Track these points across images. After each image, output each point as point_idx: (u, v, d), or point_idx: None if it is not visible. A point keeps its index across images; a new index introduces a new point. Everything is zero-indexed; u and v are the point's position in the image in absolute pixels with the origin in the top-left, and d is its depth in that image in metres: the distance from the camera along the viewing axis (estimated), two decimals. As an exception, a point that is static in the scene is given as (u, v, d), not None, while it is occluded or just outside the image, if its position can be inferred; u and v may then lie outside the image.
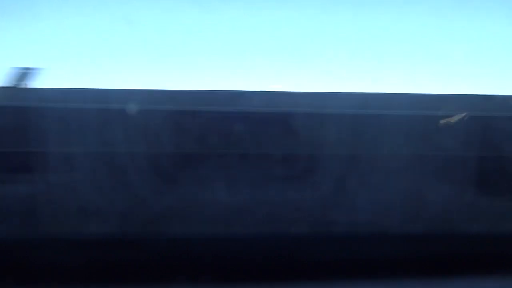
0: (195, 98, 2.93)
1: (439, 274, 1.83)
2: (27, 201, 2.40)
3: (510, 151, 2.80)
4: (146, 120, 2.71)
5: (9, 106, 2.77)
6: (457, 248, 1.95)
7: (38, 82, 2.95)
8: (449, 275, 1.84)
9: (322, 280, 1.79)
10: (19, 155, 2.60)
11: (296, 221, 2.35)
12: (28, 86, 2.95)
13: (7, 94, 2.89)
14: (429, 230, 2.21)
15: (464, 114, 2.82)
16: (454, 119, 2.82)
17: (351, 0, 4.34)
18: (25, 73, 2.99)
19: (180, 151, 2.76)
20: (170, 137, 2.72)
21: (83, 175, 2.55)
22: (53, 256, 1.78)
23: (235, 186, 2.62)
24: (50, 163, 2.53)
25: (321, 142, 2.76)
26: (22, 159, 2.58)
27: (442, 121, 2.84)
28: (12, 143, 2.63)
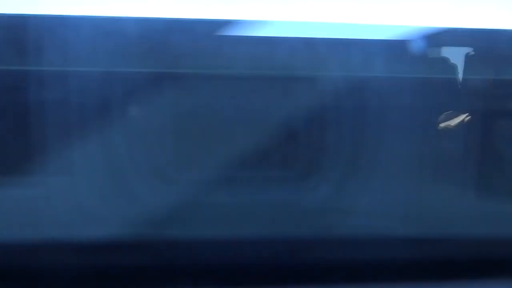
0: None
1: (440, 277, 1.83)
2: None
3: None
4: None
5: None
6: (457, 251, 1.95)
7: None
8: (450, 278, 1.84)
9: (323, 283, 1.79)
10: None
11: (296, 223, 2.35)
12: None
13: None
14: (429, 233, 2.21)
15: (465, 116, 2.81)
16: (455, 121, 2.81)
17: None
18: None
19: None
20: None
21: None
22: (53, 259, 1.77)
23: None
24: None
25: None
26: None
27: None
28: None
